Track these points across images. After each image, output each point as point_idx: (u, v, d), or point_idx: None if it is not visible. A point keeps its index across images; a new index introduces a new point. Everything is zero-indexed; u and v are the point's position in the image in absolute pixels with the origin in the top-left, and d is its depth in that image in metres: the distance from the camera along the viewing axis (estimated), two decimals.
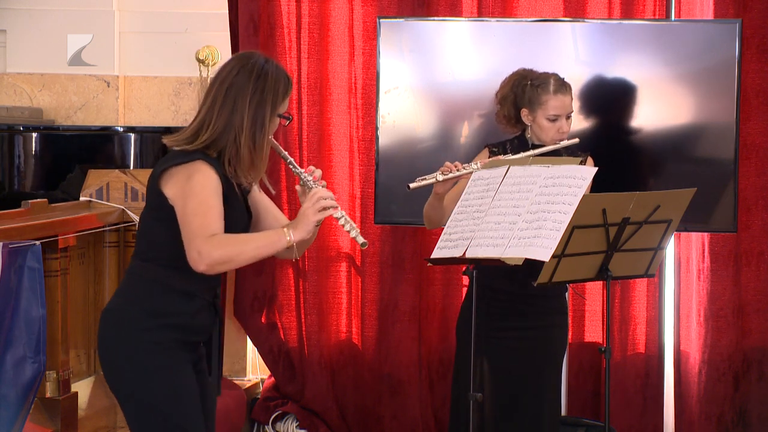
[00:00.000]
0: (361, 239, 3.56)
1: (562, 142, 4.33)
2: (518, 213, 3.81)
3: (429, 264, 4.07)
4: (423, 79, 5.37)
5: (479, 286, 4.34)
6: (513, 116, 4.39)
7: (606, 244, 3.96)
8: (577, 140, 4.39)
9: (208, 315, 3.49)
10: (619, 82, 5.26)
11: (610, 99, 5.26)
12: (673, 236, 4.54)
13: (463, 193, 4.03)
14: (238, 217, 3.46)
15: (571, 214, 3.73)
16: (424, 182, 4.24)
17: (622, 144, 5.26)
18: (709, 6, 5.67)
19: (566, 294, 4.47)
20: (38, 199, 4.98)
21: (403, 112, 5.34)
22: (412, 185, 4.21)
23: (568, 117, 4.35)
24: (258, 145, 3.40)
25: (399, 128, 5.34)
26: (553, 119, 4.32)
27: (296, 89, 5.96)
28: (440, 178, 4.22)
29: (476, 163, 4.23)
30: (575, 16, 5.66)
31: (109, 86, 6.45)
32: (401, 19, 5.46)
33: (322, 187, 3.51)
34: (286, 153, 3.58)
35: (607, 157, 5.21)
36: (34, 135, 5.94)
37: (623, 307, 5.83)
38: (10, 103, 6.44)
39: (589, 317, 5.87)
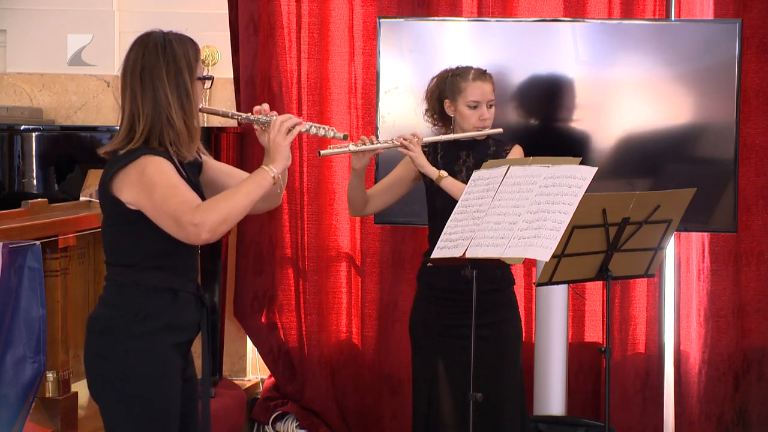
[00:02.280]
0: (340, 134, 3.66)
1: (485, 130, 4.37)
2: (518, 213, 3.81)
3: (429, 264, 4.07)
4: (423, 79, 5.33)
5: (425, 287, 4.37)
6: (437, 111, 4.46)
7: (606, 244, 3.96)
8: (500, 130, 4.44)
9: (195, 309, 3.44)
10: (618, 82, 5.26)
11: (609, 98, 5.26)
12: (673, 236, 4.54)
13: (463, 193, 4.03)
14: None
15: (571, 214, 3.73)
16: (335, 150, 4.28)
17: (622, 143, 5.26)
18: (709, 6, 5.67)
19: (513, 288, 4.48)
20: (38, 199, 4.98)
21: (403, 112, 5.33)
22: (322, 152, 4.21)
23: (490, 105, 4.40)
24: (188, 113, 3.35)
25: (399, 128, 5.33)
26: (474, 106, 4.37)
27: (296, 89, 5.97)
28: (352, 148, 4.23)
29: (392, 140, 4.28)
30: (575, 16, 5.66)
31: (109, 86, 6.45)
32: (401, 19, 5.46)
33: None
34: (224, 109, 3.58)
35: (606, 156, 5.22)
36: (34, 135, 5.94)
37: (623, 307, 5.83)
38: (10, 103, 6.44)
39: (589, 317, 5.87)
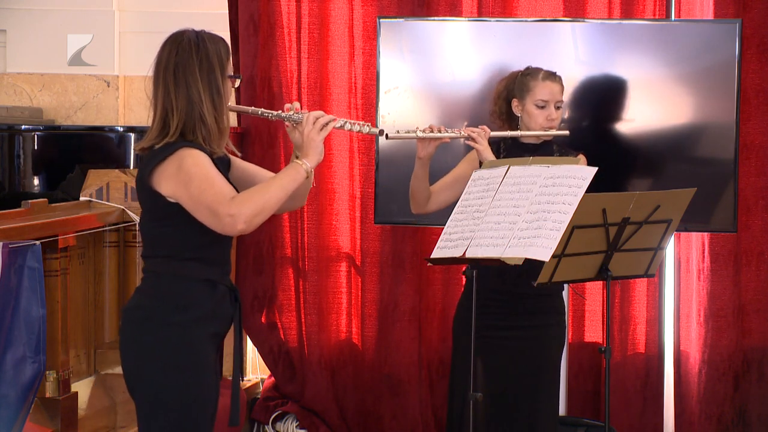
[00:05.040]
0: (375, 129, 3.73)
1: (551, 131, 4.34)
2: (518, 213, 3.80)
3: (429, 264, 4.07)
4: (423, 79, 5.36)
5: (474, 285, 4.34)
6: (504, 111, 4.43)
7: (606, 244, 3.96)
8: (566, 132, 4.42)
9: (230, 302, 3.50)
10: (618, 82, 5.25)
11: (609, 99, 5.26)
12: (673, 236, 4.53)
13: (463, 193, 4.03)
14: None
15: (571, 214, 3.73)
16: (402, 134, 4.26)
17: (622, 144, 5.26)
18: (709, 6, 5.67)
19: (563, 294, 4.46)
20: (38, 199, 4.98)
21: (403, 112, 5.33)
22: (390, 135, 4.20)
23: (558, 107, 4.37)
24: (219, 110, 3.43)
25: (399, 128, 5.33)
26: (542, 105, 4.35)
27: (296, 89, 5.97)
28: (419, 134, 4.23)
29: (459, 131, 4.28)
30: (575, 16, 5.67)
31: (109, 86, 6.45)
32: (401, 19, 5.46)
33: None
34: (254, 108, 3.67)
35: (606, 157, 5.21)
36: (34, 135, 5.94)
37: (623, 307, 5.83)
38: (10, 103, 6.44)
39: (589, 317, 5.87)
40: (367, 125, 3.75)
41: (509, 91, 4.41)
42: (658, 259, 4.13)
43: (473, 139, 4.28)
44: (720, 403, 5.79)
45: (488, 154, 4.26)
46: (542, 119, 4.35)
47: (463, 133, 4.29)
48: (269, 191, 3.40)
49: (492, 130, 4.38)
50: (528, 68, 4.45)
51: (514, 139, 4.42)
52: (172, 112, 3.40)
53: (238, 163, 3.64)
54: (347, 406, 6.04)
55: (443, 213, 4.34)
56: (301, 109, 3.63)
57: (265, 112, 3.66)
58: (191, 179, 3.33)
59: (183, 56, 3.41)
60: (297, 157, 3.58)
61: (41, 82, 6.49)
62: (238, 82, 3.54)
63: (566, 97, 5.25)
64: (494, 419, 4.30)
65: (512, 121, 4.43)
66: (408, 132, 4.27)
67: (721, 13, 5.63)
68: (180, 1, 6.46)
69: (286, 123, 3.62)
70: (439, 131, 4.26)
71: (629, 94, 5.25)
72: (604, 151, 5.23)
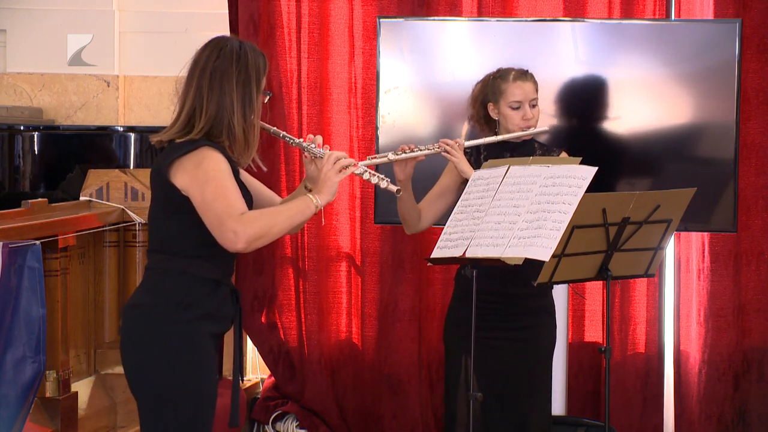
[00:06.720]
0: (393, 186, 3.71)
1: (530, 130, 4.34)
2: (518, 213, 3.81)
3: (429, 264, 4.07)
4: (423, 79, 5.37)
5: (463, 288, 4.34)
6: (482, 116, 4.42)
7: (606, 243, 3.96)
8: (546, 128, 4.42)
9: (231, 303, 3.51)
10: (618, 83, 5.26)
11: (610, 99, 5.26)
12: (673, 236, 4.54)
13: (464, 193, 4.03)
14: (246, 199, 3.48)
15: (571, 214, 3.73)
16: (375, 160, 4.26)
17: (622, 144, 5.27)
18: (709, 6, 5.68)
19: (551, 293, 4.45)
20: (38, 199, 4.99)
21: (403, 112, 5.34)
22: (361, 163, 4.20)
23: (533, 105, 4.35)
24: (249, 123, 3.44)
25: (399, 128, 5.34)
26: (516, 107, 4.33)
27: (296, 89, 5.97)
28: (392, 157, 4.22)
29: (433, 146, 4.27)
30: (575, 16, 5.67)
31: (109, 86, 6.45)
32: (401, 19, 5.46)
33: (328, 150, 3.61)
34: (276, 128, 3.67)
35: (606, 157, 5.22)
36: (34, 135, 5.94)
37: (623, 307, 5.83)
38: (10, 103, 6.45)
39: (589, 317, 5.87)
40: (386, 180, 3.74)
41: (484, 96, 4.41)
42: (658, 259, 4.13)
43: (448, 152, 4.28)
44: (720, 403, 5.80)
45: (464, 166, 4.27)
46: (518, 120, 4.34)
47: (437, 147, 4.29)
48: (277, 218, 3.41)
49: (473, 134, 4.38)
50: (499, 70, 4.42)
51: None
52: (200, 114, 3.41)
53: (244, 176, 3.62)
54: (347, 406, 6.05)
55: (444, 213, 4.34)
56: (323, 144, 3.64)
57: (287, 137, 3.67)
58: (208, 182, 3.34)
59: (223, 62, 3.42)
60: (307, 188, 3.60)
61: (41, 82, 6.49)
62: (267, 99, 3.54)
63: (567, 96, 5.28)
64: (487, 419, 4.30)
65: (491, 125, 4.42)
66: (380, 157, 4.25)
67: (721, 13, 5.63)
68: (180, 1, 6.46)
69: (305, 154, 3.63)
70: (411, 150, 4.25)
71: (628, 95, 5.25)
72: (604, 151, 5.24)
